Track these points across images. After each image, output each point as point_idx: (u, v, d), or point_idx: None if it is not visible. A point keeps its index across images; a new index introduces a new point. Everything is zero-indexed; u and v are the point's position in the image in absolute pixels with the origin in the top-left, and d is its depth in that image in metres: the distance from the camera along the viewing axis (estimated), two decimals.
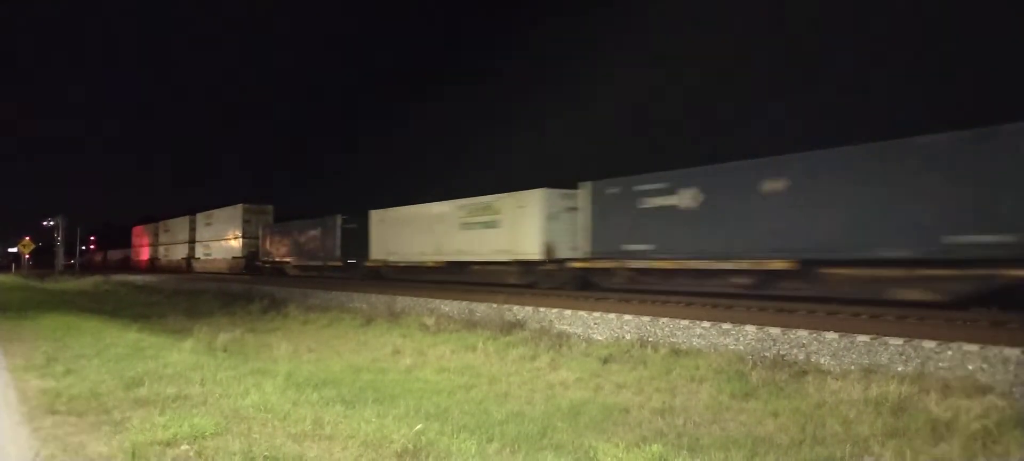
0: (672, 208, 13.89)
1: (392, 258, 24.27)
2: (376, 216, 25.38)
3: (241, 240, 35.96)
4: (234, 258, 36.50)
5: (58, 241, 50.29)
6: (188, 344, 9.12)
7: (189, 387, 6.22)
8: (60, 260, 49.04)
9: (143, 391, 6.03)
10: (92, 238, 70.87)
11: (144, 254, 52.80)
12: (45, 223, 53.81)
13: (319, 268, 29.18)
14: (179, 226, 45.51)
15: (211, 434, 4.56)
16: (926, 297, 10.15)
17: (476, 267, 20.01)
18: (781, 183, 12.15)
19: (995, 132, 9.58)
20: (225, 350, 9.24)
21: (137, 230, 56.54)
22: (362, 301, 16.64)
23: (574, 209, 16.79)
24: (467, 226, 20.47)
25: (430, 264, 21.96)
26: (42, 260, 55.28)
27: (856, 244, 10.90)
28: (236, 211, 36.65)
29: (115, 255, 63.49)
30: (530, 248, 17.72)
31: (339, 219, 27.56)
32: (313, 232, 29.51)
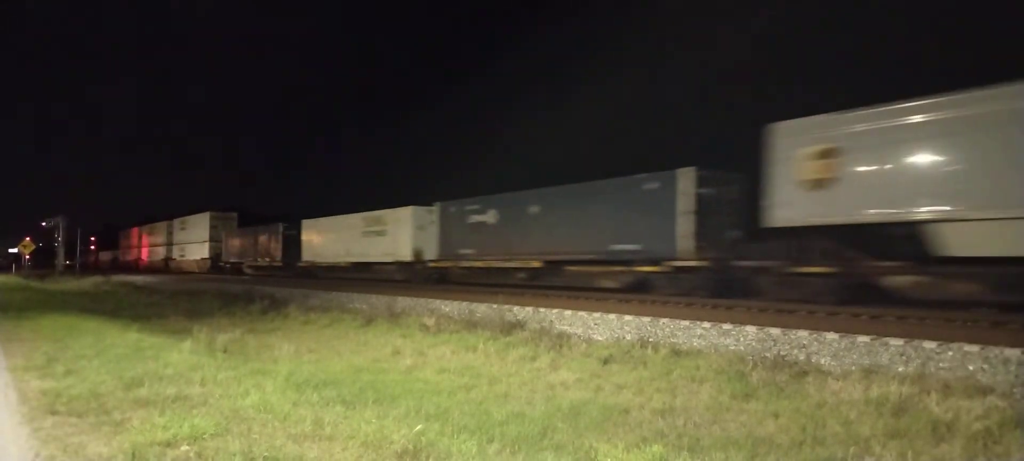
0: (483, 224, 20.15)
1: (318, 259, 30.11)
2: (307, 224, 31.32)
3: (208, 244, 41.21)
4: (202, 259, 41.77)
5: (58, 242, 50.32)
6: (188, 344, 9.12)
7: (189, 387, 6.22)
8: (60, 261, 49.08)
9: (143, 391, 6.02)
10: (92, 239, 70.91)
11: (131, 255, 58.11)
12: (45, 224, 53.86)
13: (267, 268, 34.07)
14: (159, 230, 50.70)
15: (211, 434, 4.56)
16: (611, 284, 16.08)
17: (374, 266, 25.91)
18: (537, 208, 18.25)
19: (632, 180, 15.50)
20: (225, 350, 9.24)
21: (125, 233, 61.12)
22: (362, 301, 16.64)
23: (434, 222, 22.67)
24: (366, 234, 26.40)
25: (343, 264, 28.02)
26: (42, 261, 55.31)
27: (573, 250, 16.86)
28: (205, 218, 41.87)
29: (105, 256, 67.47)
30: (404, 252, 23.78)
31: (281, 226, 32.95)
32: (263, 237, 34.68)
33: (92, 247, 70.39)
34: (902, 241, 10.23)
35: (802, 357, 7.98)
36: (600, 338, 10.16)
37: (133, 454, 4.20)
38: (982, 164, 9.42)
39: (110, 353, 8.25)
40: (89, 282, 34.49)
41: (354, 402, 5.92)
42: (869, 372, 6.94)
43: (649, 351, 8.64)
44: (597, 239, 15.98)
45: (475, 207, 20.47)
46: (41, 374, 7.10)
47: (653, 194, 14.81)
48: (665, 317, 10.21)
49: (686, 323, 9.71)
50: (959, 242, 9.48)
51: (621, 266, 15.44)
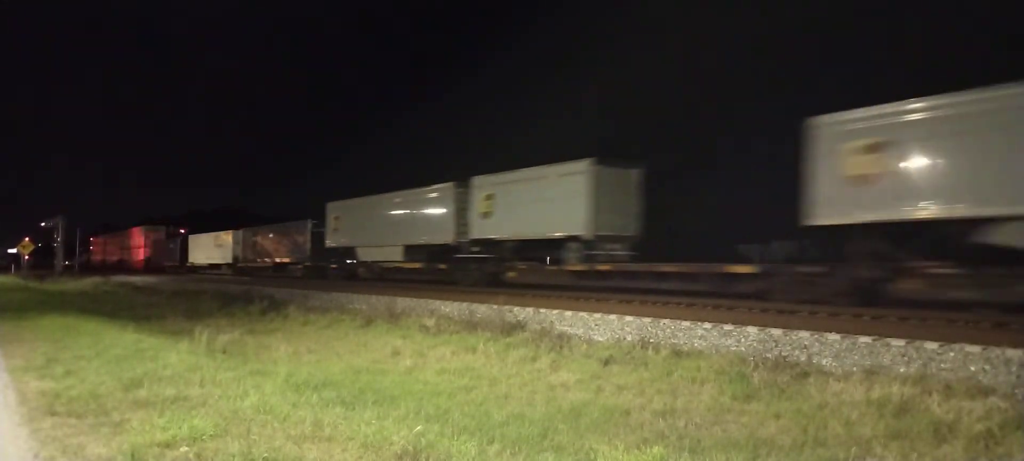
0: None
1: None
2: (244, 231, 38.51)
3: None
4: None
5: (57, 242, 50.30)
6: (187, 345, 9.10)
7: (188, 388, 6.21)
8: (60, 261, 49.08)
9: (142, 392, 6.01)
10: (92, 239, 70.87)
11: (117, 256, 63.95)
12: (44, 224, 53.86)
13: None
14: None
15: (210, 435, 4.55)
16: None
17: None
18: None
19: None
20: (224, 351, 9.22)
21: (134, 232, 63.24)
22: (362, 302, 16.62)
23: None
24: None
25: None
26: (42, 261, 55.30)
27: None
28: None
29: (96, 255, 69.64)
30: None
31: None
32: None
33: (92, 248, 70.42)
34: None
35: (804, 358, 7.96)
36: (601, 339, 10.14)
37: (132, 455, 4.19)
38: None
39: (109, 354, 8.24)
40: (88, 282, 34.48)
41: (354, 403, 5.90)
42: (871, 373, 6.92)
43: (650, 352, 8.62)
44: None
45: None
46: (40, 375, 7.09)
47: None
48: (666, 318, 10.19)
49: (687, 324, 9.70)
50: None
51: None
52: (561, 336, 10.15)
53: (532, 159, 19.41)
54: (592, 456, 4.43)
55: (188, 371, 6.97)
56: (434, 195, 21.68)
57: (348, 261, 27.39)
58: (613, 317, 10.76)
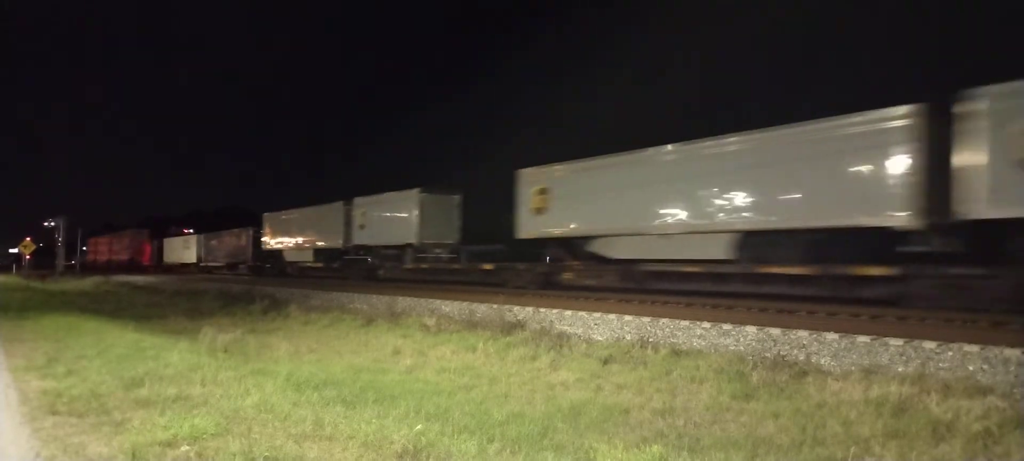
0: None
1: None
2: (205, 235, 43.26)
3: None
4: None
5: (59, 242, 50.33)
6: (188, 344, 9.13)
7: (190, 388, 6.23)
8: (61, 261, 49.12)
9: (144, 392, 6.03)
10: (89, 240, 70.82)
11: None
12: (46, 224, 53.88)
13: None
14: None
15: (212, 434, 4.57)
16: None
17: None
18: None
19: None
20: (226, 350, 9.24)
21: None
22: (363, 301, 16.65)
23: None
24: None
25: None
26: (43, 261, 55.35)
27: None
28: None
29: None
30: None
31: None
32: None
33: (87, 248, 70.62)
34: None
35: (802, 357, 7.97)
36: (600, 338, 10.16)
37: (133, 454, 4.21)
38: None
39: (110, 353, 8.26)
40: (89, 282, 34.51)
41: (354, 402, 5.92)
42: (869, 372, 6.94)
43: (649, 351, 8.64)
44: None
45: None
46: (42, 374, 7.11)
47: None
48: (665, 317, 10.21)
49: (686, 323, 9.71)
50: None
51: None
52: (561, 335, 10.17)
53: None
54: (591, 455, 4.45)
55: (189, 370, 6.99)
56: (329, 211, 27.40)
57: (279, 262, 32.85)
58: (612, 316, 10.78)
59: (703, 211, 13.32)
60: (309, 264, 29.62)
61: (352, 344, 10.62)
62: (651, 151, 14.77)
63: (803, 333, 8.34)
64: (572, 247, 16.88)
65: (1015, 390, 6.16)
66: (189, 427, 4.64)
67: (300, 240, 30.38)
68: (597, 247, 16.05)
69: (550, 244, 17.42)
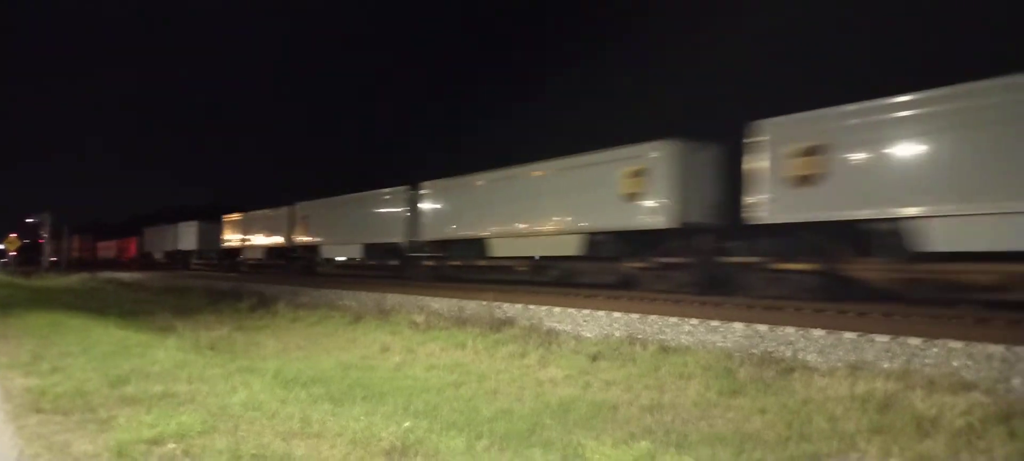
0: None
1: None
2: (157, 228, 46.03)
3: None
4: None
5: (44, 238, 49.83)
6: (175, 341, 9.07)
7: (176, 385, 6.19)
8: (46, 257, 48.67)
9: (129, 389, 5.99)
10: (79, 235, 70.22)
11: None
12: (29, 220, 53.31)
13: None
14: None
15: (198, 432, 4.54)
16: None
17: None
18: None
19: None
20: (213, 348, 9.19)
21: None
22: (351, 299, 16.58)
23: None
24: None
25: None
26: (29, 257, 54.77)
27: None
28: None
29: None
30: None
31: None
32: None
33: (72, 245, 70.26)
34: None
35: (789, 354, 8.03)
36: (589, 335, 10.18)
37: (119, 452, 4.18)
38: None
39: (96, 350, 8.19)
40: (75, 278, 34.19)
41: (342, 399, 5.90)
42: (855, 368, 6.99)
43: (638, 348, 8.66)
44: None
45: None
46: (26, 371, 7.04)
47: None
48: (654, 314, 10.24)
49: (674, 320, 9.75)
50: None
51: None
52: (550, 332, 10.19)
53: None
54: (580, 451, 4.47)
55: (176, 368, 6.94)
56: (273, 213, 31.09)
57: (227, 256, 36.35)
58: (601, 313, 10.80)
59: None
60: (257, 260, 32.78)
61: (340, 341, 10.59)
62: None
63: (790, 330, 8.40)
64: (455, 247, 20.15)
65: (998, 386, 6.24)
66: (176, 425, 4.61)
67: (252, 239, 33.67)
68: (480, 247, 18.91)
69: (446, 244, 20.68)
